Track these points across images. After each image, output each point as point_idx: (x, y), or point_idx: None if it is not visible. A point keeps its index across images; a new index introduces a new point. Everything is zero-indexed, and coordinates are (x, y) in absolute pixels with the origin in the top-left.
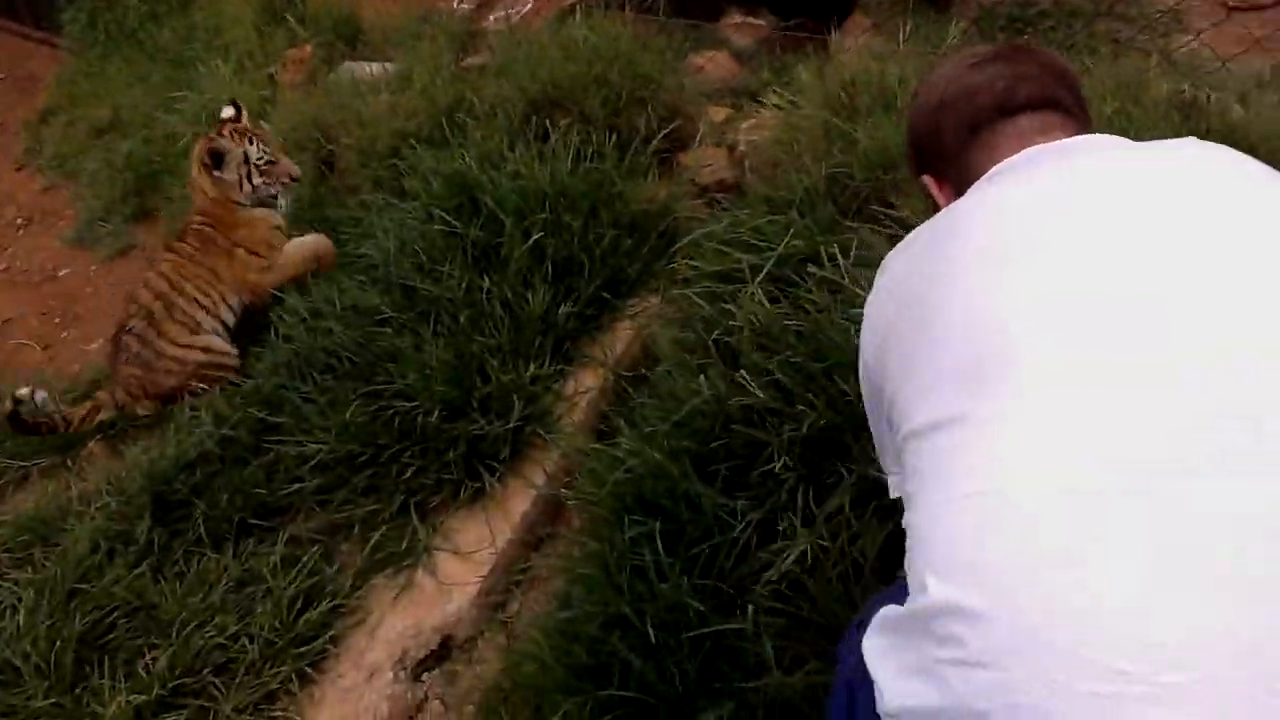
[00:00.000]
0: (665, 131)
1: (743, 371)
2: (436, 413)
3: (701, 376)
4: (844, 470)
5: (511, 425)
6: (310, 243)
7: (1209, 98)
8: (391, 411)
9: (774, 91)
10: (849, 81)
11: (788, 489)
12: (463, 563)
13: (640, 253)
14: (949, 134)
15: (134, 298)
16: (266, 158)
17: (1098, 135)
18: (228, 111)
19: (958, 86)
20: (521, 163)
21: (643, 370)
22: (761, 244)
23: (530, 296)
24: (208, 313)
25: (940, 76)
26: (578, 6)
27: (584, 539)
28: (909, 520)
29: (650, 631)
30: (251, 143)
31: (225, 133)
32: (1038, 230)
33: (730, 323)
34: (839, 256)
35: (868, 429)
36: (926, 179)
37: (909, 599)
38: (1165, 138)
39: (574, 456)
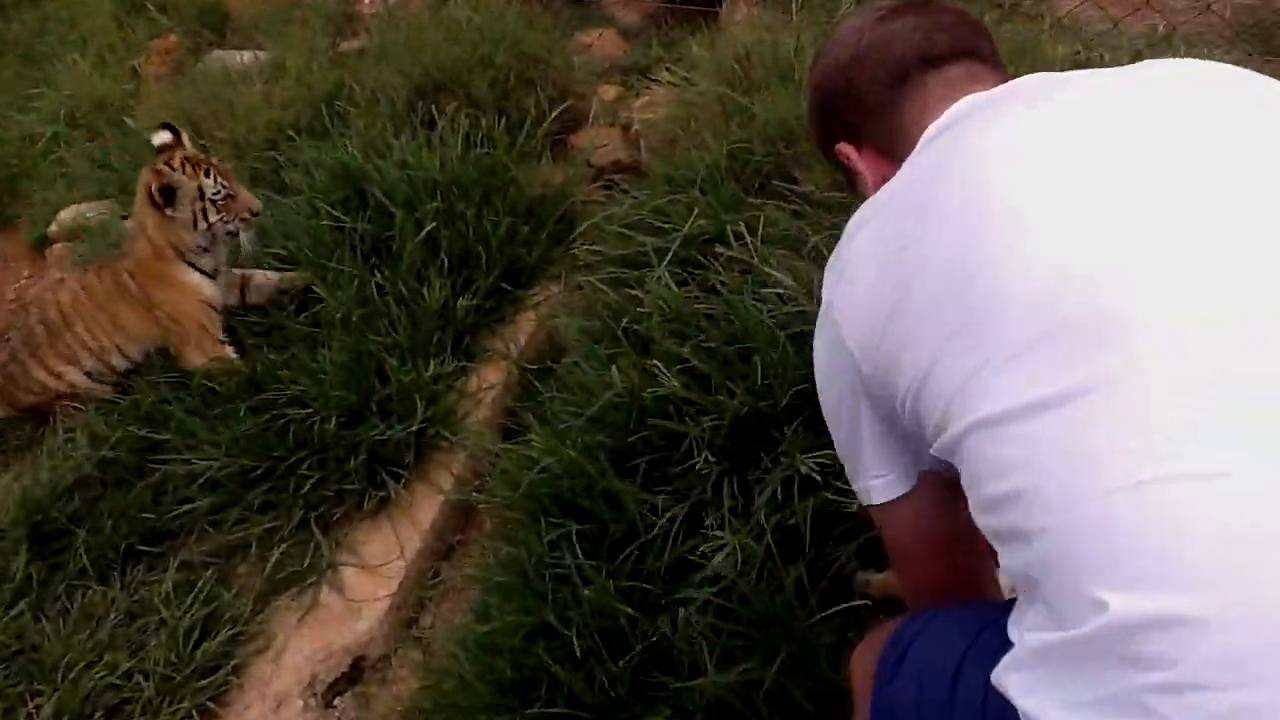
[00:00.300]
0: (556, 113)
1: (655, 360)
2: (334, 419)
3: (613, 367)
4: (769, 460)
5: (414, 428)
6: None
7: (1103, 58)
8: (285, 421)
9: (666, 68)
10: (743, 54)
11: (711, 482)
12: (370, 577)
13: (539, 240)
14: (867, 89)
15: (26, 310)
16: (224, 191)
17: (1048, 73)
18: (163, 136)
19: (870, 39)
20: (409, 151)
21: (549, 362)
22: (665, 225)
23: (426, 291)
24: (92, 354)
25: (847, 31)
26: None
27: (499, 544)
28: (1028, 525)
29: (575, 640)
30: (208, 174)
31: (176, 163)
32: (1052, 178)
33: (638, 309)
34: (746, 235)
35: (792, 415)
36: (844, 147)
37: (1063, 621)
38: None
39: (482, 457)
